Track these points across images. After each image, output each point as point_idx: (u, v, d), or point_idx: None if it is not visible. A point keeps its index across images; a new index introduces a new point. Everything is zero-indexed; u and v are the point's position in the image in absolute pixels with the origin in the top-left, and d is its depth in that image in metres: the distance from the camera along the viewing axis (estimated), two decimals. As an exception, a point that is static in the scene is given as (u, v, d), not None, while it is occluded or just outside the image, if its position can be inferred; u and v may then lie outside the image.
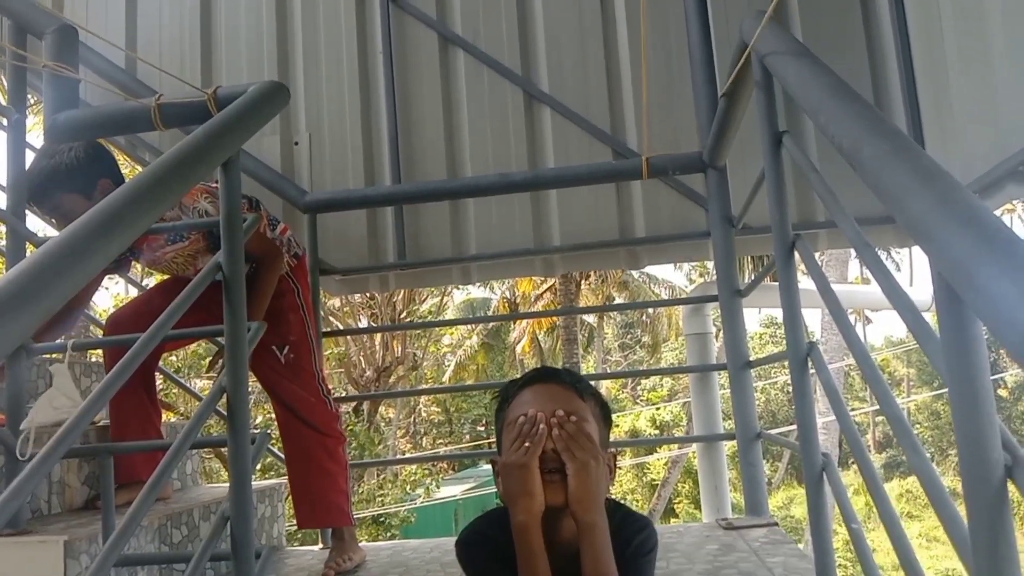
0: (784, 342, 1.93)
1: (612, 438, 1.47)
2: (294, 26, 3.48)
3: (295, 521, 2.57)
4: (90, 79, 3.02)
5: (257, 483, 2.84)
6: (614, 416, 1.52)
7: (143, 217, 1.31)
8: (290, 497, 2.59)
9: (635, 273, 19.42)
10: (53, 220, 2.30)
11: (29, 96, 2.74)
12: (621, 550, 1.31)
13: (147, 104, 2.01)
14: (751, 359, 2.84)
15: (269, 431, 2.13)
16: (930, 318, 1.20)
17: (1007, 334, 0.71)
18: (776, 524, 2.52)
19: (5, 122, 2.40)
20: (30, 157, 2.35)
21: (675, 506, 21.56)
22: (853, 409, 24.20)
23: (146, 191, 1.33)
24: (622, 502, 1.48)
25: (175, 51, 3.47)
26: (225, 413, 1.68)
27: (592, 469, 1.27)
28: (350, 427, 12.89)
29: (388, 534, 12.83)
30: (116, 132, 2.67)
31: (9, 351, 1.16)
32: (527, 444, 1.28)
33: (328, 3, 3.48)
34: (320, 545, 2.78)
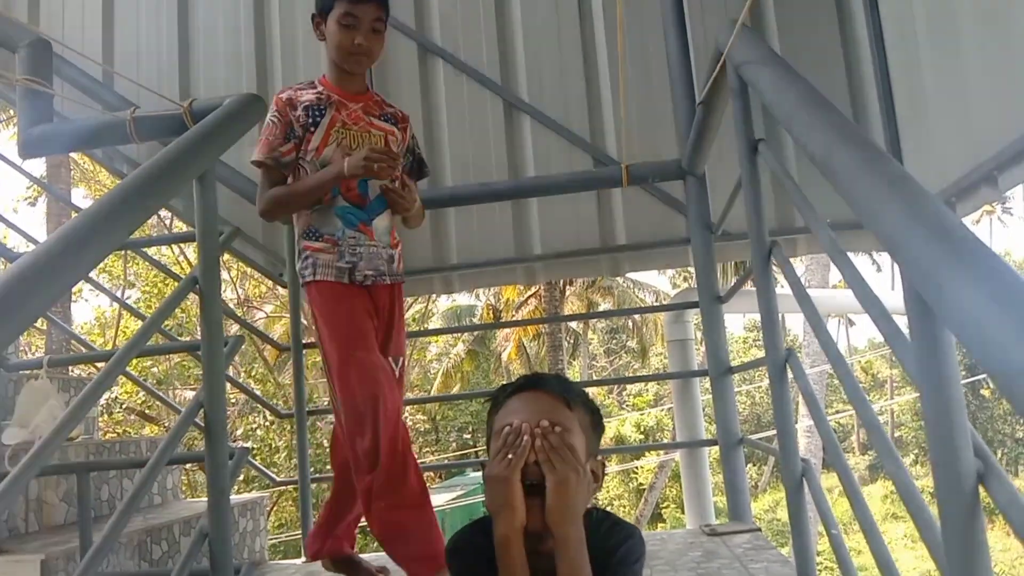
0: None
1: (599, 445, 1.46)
2: (272, 37, 3.47)
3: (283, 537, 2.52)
4: (66, 92, 3.00)
5: (239, 497, 2.83)
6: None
7: (117, 231, 1.30)
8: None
9: (619, 278, 19.46)
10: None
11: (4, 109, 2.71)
12: (607, 559, 1.30)
13: (123, 117, 1.99)
14: (732, 365, 2.84)
15: (249, 445, 2.11)
16: (906, 322, 1.20)
17: (977, 345, 0.72)
18: (759, 530, 2.52)
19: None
20: (5, 172, 2.33)
21: (662, 511, 21.59)
22: (838, 411, 24.34)
23: (120, 205, 1.32)
24: (610, 511, 1.47)
25: (152, 64, 3.45)
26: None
27: (571, 483, 1.26)
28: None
29: (375, 544, 12.78)
30: (92, 145, 2.65)
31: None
32: (510, 456, 1.27)
33: (306, 14, 3.45)
34: (302, 559, 2.76)
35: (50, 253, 1.16)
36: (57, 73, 2.67)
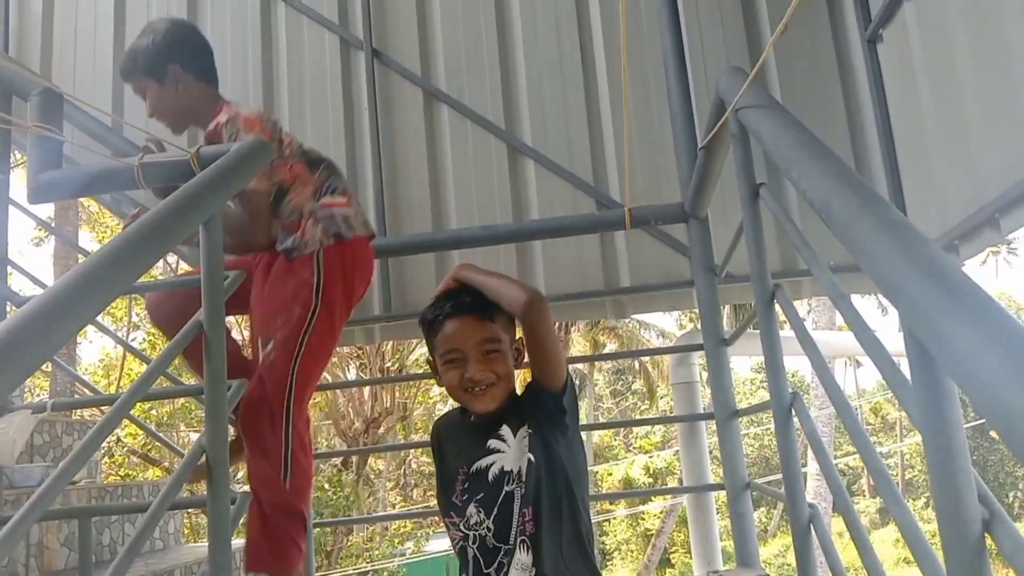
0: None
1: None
2: (280, 82, 3.53)
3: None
4: (76, 137, 3.04)
5: (240, 541, 2.80)
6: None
7: (123, 277, 1.31)
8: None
9: (625, 318, 19.40)
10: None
11: (14, 153, 2.75)
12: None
13: (130, 163, 2.02)
14: (738, 408, 2.83)
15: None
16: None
17: (976, 391, 0.71)
18: (767, 576, 2.49)
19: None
20: (14, 215, 2.36)
21: (671, 556, 21.28)
22: (848, 453, 24.06)
23: (126, 252, 1.33)
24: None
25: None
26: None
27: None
28: (338, 479, 12.72)
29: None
30: (100, 191, 2.68)
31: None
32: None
33: (314, 59, 3.53)
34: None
35: (57, 298, 1.17)
36: (67, 119, 2.71)
